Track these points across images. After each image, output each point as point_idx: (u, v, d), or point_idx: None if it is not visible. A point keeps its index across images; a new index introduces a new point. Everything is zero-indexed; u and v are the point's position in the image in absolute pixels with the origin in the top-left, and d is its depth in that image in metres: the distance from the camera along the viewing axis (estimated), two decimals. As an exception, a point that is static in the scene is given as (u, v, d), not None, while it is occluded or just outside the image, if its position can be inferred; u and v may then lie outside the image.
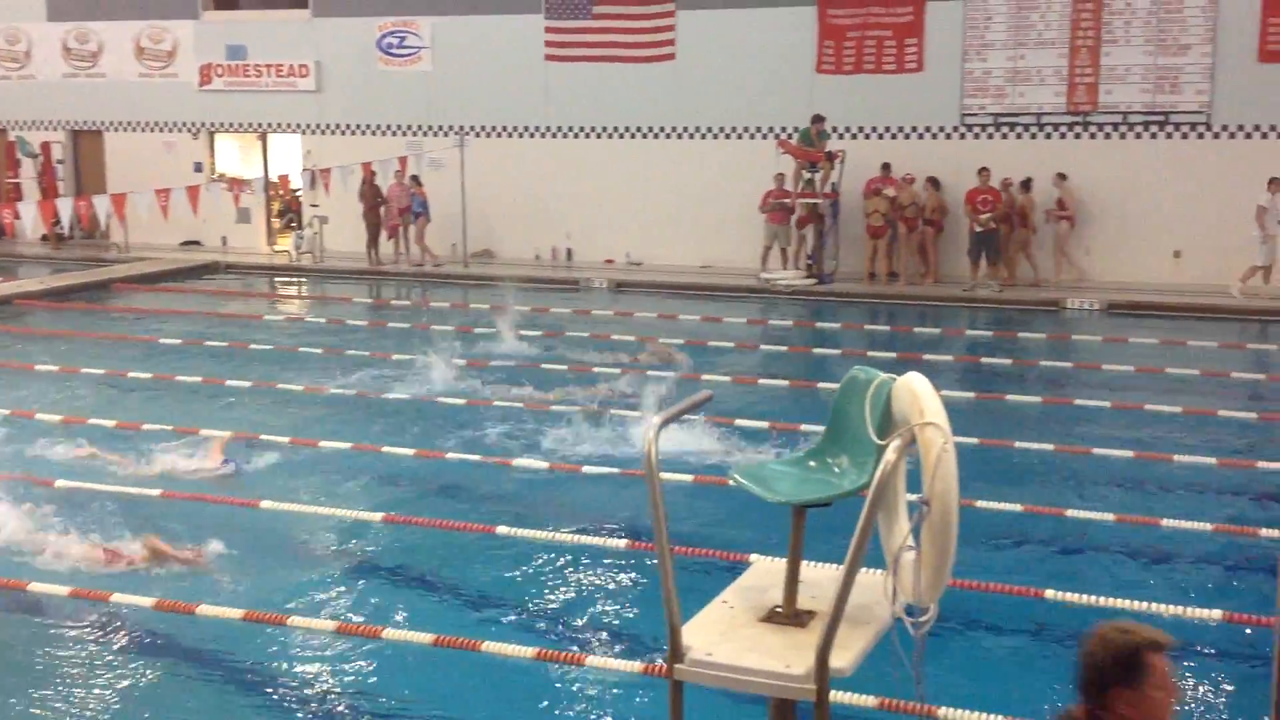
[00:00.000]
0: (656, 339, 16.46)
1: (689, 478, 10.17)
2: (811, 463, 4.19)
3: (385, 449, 11.43)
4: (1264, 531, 9.04)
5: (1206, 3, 20.33)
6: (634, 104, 24.03)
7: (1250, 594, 7.97)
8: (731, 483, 4.15)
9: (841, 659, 3.51)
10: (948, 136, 22.16)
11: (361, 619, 7.73)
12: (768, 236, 22.41)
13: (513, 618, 7.92)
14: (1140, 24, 20.76)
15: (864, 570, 3.72)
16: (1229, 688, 6.89)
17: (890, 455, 3.60)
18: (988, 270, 21.11)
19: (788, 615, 3.84)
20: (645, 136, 24.20)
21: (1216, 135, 20.56)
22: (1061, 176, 20.89)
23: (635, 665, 7.04)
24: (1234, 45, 20.30)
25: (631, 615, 7.91)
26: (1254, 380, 14.21)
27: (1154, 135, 20.90)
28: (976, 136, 21.96)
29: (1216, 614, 7.60)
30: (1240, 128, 20.41)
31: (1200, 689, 6.90)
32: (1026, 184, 20.97)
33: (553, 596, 8.26)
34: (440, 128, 25.23)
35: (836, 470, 4.12)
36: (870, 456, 3.91)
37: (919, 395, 3.75)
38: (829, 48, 22.72)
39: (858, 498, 3.72)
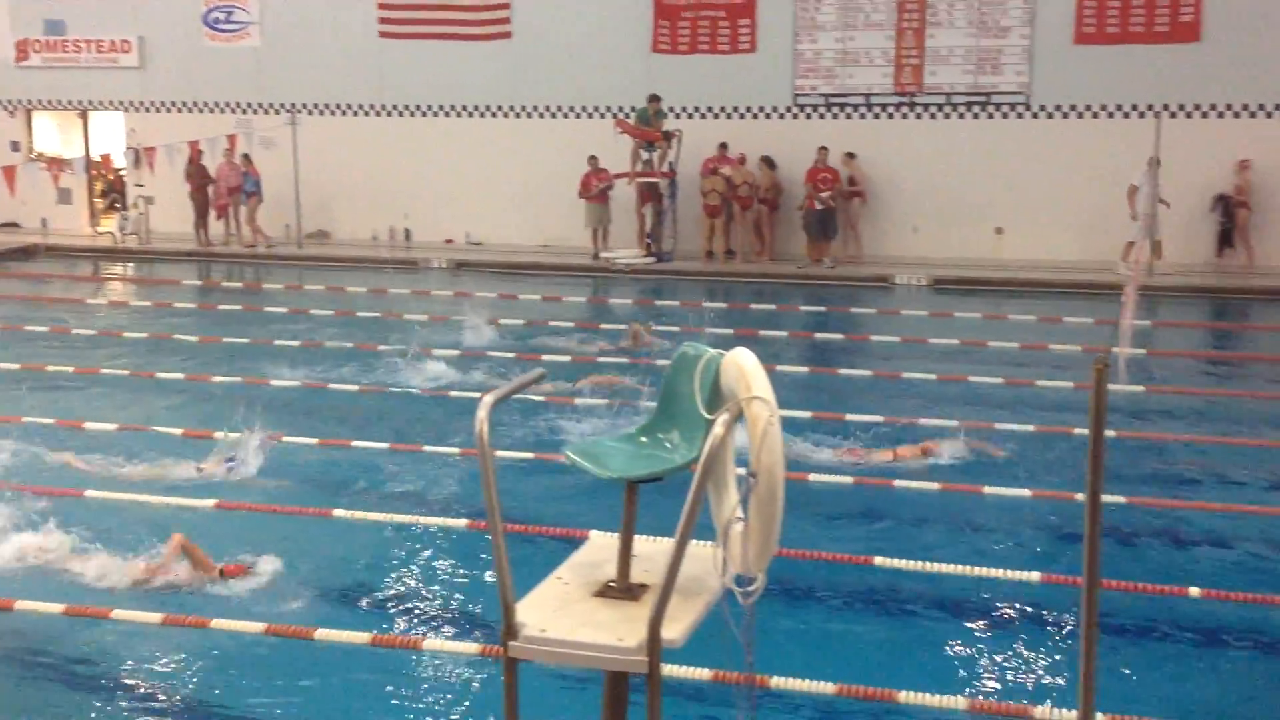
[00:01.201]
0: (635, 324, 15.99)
1: (529, 455, 10.17)
2: (643, 439, 4.23)
3: (218, 434, 11.15)
4: (1078, 496, 9.45)
5: (1025, -13, 21.10)
6: (471, 82, 23.83)
7: (1070, 557, 8.33)
8: (566, 460, 4.18)
9: (673, 630, 3.57)
10: (781, 116, 22.54)
11: (189, 610, 7.54)
12: (591, 218, 22.45)
13: (349, 603, 7.82)
14: (963, 7, 21.42)
15: (695, 543, 3.79)
16: (1046, 646, 7.21)
17: (718, 429, 3.67)
18: (825, 247, 21.56)
19: (621, 589, 3.88)
20: (484, 115, 24.03)
21: (1035, 115, 21.35)
22: (850, 155, 21.45)
23: (473, 647, 7.03)
24: (1051, 28, 21.10)
25: (473, 596, 7.89)
26: (1071, 352, 14.82)
27: (976, 115, 21.61)
28: (809, 116, 22.39)
29: (1035, 576, 7.94)
30: (1058, 108, 21.23)
31: (1019, 648, 7.20)
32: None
33: (391, 580, 8.18)
34: (271, 105, 24.64)
35: (668, 445, 4.17)
36: (700, 431, 3.96)
37: (745, 370, 3.82)
38: (664, 28, 22.88)
39: (689, 472, 3.78)
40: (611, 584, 3.91)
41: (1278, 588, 7.87)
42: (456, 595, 7.92)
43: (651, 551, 4.10)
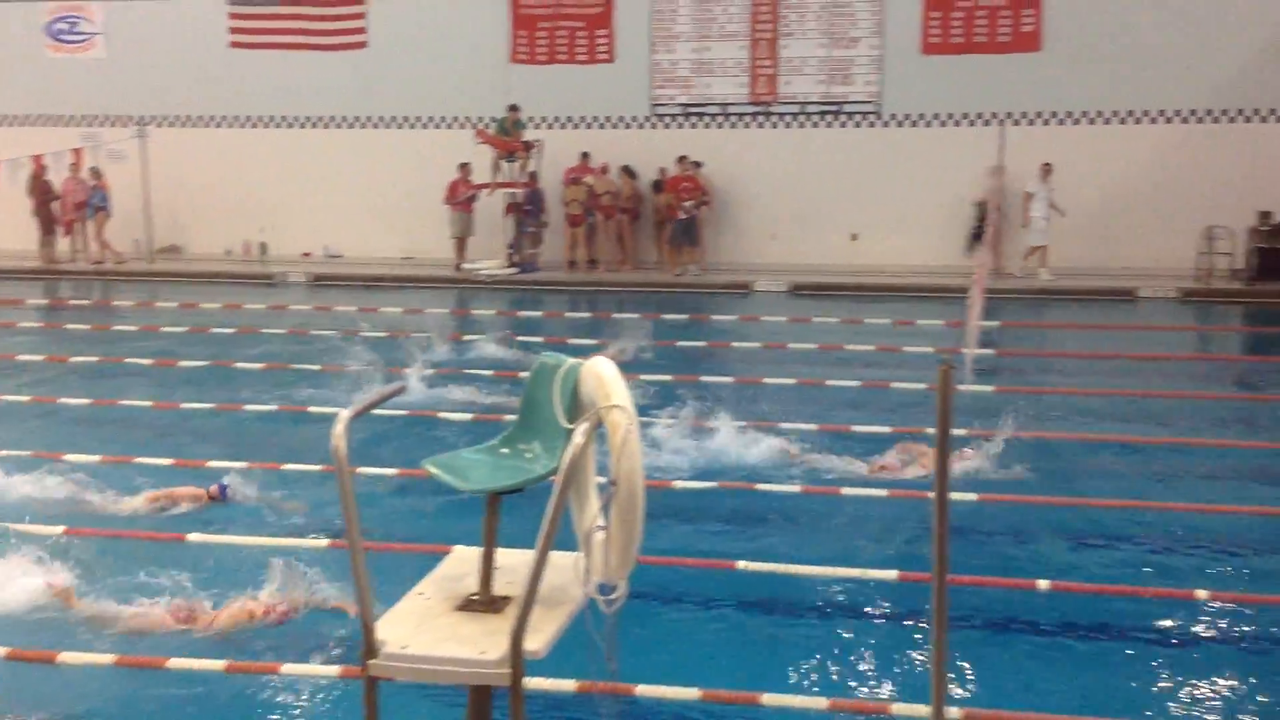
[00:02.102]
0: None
1: (390, 470, 10.06)
2: (504, 450, 4.24)
3: (68, 456, 10.79)
4: (930, 494, 9.69)
5: (873, -1, 21.62)
6: (327, 92, 23.52)
7: (928, 554, 8.52)
8: (426, 474, 4.15)
9: (535, 641, 3.59)
10: (640, 126, 22.71)
11: (37, 643, 7.25)
12: (456, 227, 22.34)
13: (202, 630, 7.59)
14: (814, 18, 21.86)
15: (558, 552, 3.81)
16: (906, 643, 7.37)
17: (578, 438, 3.70)
18: (688, 254, 21.77)
19: (484, 602, 3.89)
20: (340, 126, 23.72)
21: (886, 124, 21.88)
22: (696, 164, 21.73)
23: (334, 669, 6.89)
24: (899, 39, 21.66)
25: (334, 617, 7.74)
26: (923, 354, 15.20)
27: (830, 124, 22.06)
28: (667, 126, 22.60)
29: (893, 574, 8.13)
30: (907, 116, 21.79)
31: (879, 646, 7.36)
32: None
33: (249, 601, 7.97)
34: (119, 117, 23.94)
35: (529, 456, 4.18)
36: (560, 441, 3.98)
37: (604, 379, 3.86)
38: (522, 38, 22.87)
39: (550, 482, 3.80)
40: (474, 597, 3.91)
41: (1123, 578, 8.18)
42: (317, 616, 7.76)
43: (514, 563, 4.11)
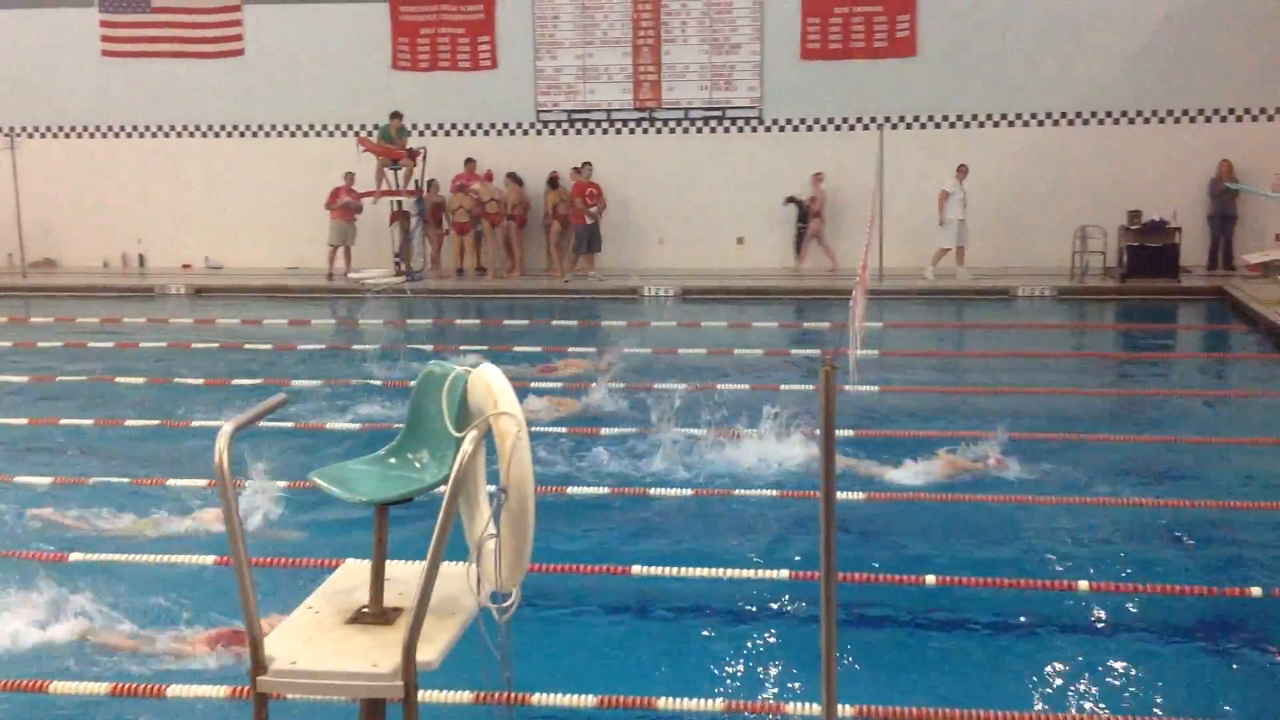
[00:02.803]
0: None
1: (278, 483, 9.89)
2: (392, 460, 4.20)
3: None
4: (815, 494, 9.82)
5: (753, 4, 21.85)
6: (205, 101, 23.09)
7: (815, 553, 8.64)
8: (312, 486, 4.10)
9: (428, 652, 3.56)
10: (525, 133, 22.67)
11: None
12: (335, 235, 22.06)
13: (84, 652, 7.39)
14: (695, 24, 22.04)
15: (450, 562, 3.79)
16: (801, 643, 7.46)
17: (467, 447, 3.68)
18: (585, 261, 21.74)
19: (375, 615, 3.84)
20: (218, 135, 23.30)
21: (768, 129, 22.14)
22: (577, 170, 21.78)
23: (223, 689, 6.74)
24: (779, 44, 21.93)
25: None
26: (811, 355, 15.41)
27: (713, 129, 22.25)
28: (552, 133, 22.59)
29: (784, 574, 8.23)
30: (789, 121, 22.07)
31: (773, 646, 7.44)
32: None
33: (132, 625, 7.78)
34: (-13, 128, 23.23)
35: (417, 466, 4.15)
36: (450, 450, 3.96)
37: (493, 387, 3.84)
38: (404, 44, 22.69)
39: (440, 492, 3.77)
40: (365, 610, 3.87)
41: (1005, 571, 8.38)
42: (206, 635, 7.60)
43: (405, 574, 4.08)
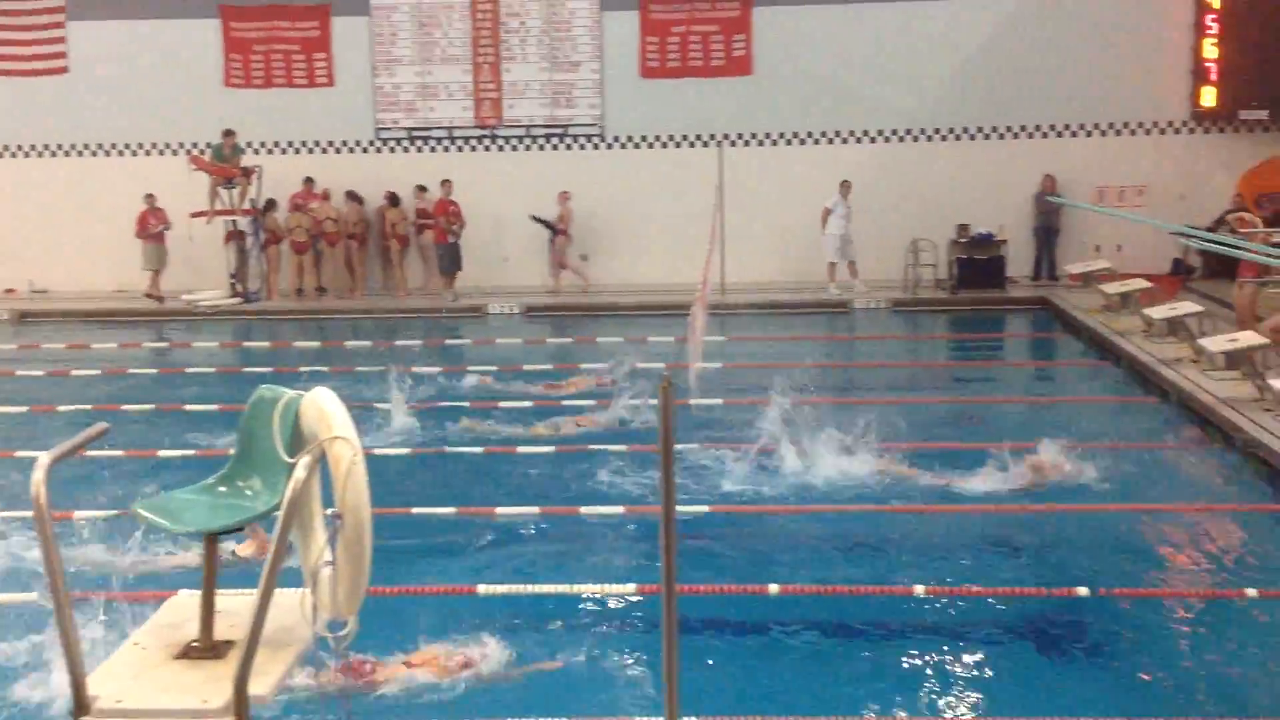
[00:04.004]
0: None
1: (103, 515, 9.52)
2: (222, 488, 4.09)
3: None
4: (658, 509, 9.88)
5: (592, 23, 21.96)
6: (27, 119, 22.24)
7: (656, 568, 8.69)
8: (136, 516, 3.97)
9: (262, 685, 3.47)
10: (364, 151, 22.36)
11: None
12: (150, 260, 21.29)
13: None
14: (535, 43, 22.04)
15: (284, 590, 3.69)
16: (647, 656, 7.49)
17: (300, 473, 3.60)
18: (447, 280, 21.41)
19: (205, 649, 3.73)
20: (44, 154, 22.47)
21: (610, 146, 22.25)
22: (422, 189, 21.63)
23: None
24: (619, 62, 22.07)
25: (44, 676, 7.25)
26: (655, 370, 15.52)
27: (555, 147, 22.28)
28: (392, 150, 22.33)
29: (631, 587, 8.26)
30: (630, 138, 22.23)
31: (618, 660, 7.45)
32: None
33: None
34: None
35: (249, 493, 4.05)
36: (282, 476, 3.87)
37: (326, 411, 3.77)
38: (236, 61, 22.19)
39: (273, 519, 3.68)
40: (194, 644, 3.76)
41: (845, 578, 8.55)
42: (25, 676, 7.25)
43: (237, 606, 3.97)
